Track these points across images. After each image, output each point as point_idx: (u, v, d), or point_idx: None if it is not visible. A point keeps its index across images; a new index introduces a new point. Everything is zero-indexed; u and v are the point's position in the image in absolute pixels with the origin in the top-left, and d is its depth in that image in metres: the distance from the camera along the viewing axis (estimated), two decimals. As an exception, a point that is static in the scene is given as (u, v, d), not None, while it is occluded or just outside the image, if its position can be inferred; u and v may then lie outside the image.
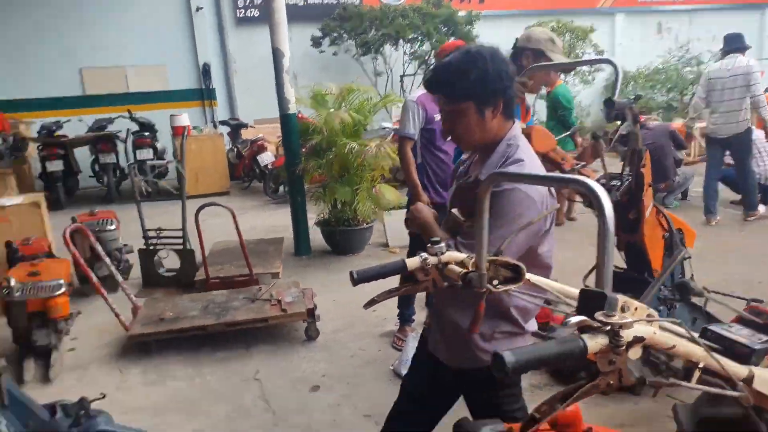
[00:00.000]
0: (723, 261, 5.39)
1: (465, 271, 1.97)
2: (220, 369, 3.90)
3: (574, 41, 12.19)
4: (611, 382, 1.26)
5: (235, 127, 10.67)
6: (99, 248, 4.58)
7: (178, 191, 5.82)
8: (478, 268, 1.92)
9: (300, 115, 8.00)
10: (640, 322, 1.30)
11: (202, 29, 11.65)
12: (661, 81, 13.37)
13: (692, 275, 3.40)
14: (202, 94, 11.82)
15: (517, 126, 2.06)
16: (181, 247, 5.38)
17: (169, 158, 10.20)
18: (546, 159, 3.31)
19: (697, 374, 1.44)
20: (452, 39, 11.26)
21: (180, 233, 5.36)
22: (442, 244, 2.05)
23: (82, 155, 10.05)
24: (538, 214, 1.92)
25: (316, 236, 6.32)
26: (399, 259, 2.13)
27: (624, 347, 1.24)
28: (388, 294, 2.16)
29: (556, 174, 1.68)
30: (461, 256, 2.07)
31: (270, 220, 7.80)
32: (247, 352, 4.09)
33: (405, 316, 4.15)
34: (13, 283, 3.85)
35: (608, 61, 3.74)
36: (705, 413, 1.98)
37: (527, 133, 3.16)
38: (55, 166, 9.36)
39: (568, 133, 3.30)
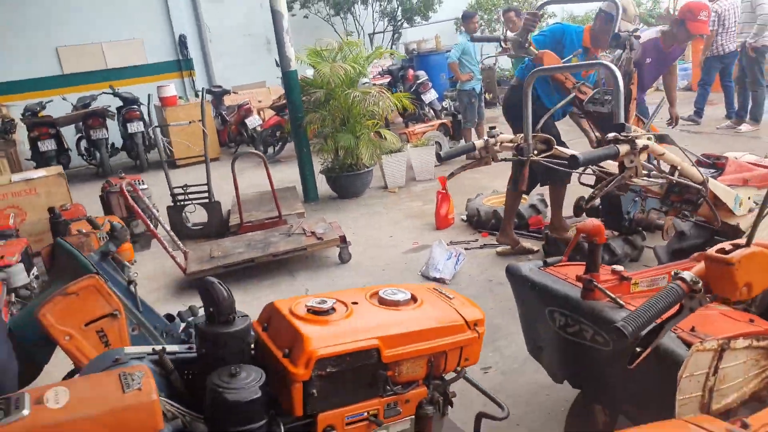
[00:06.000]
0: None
1: (516, 143, 2.70)
2: (273, 292, 4.50)
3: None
4: (631, 175, 1.99)
5: (219, 95, 10.98)
6: (136, 206, 5.08)
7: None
8: (526, 140, 2.66)
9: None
10: (643, 137, 2.06)
11: (176, 1, 11.85)
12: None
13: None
14: (180, 65, 12.08)
15: None
16: (207, 200, 5.91)
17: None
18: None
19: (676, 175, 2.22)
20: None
21: (205, 188, 5.88)
22: (497, 130, 2.78)
23: (67, 133, 10.23)
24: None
25: (320, 185, 6.91)
26: (470, 142, 2.86)
27: (638, 151, 1.99)
28: (462, 169, 2.89)
29: (584, 62, 2.46)
30: (509, 136, 2.79)
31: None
32: (292, 278, 4.72)
33: None
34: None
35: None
36: (674, 247, 2.80)
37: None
38: (47, 145, 9.55)
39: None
